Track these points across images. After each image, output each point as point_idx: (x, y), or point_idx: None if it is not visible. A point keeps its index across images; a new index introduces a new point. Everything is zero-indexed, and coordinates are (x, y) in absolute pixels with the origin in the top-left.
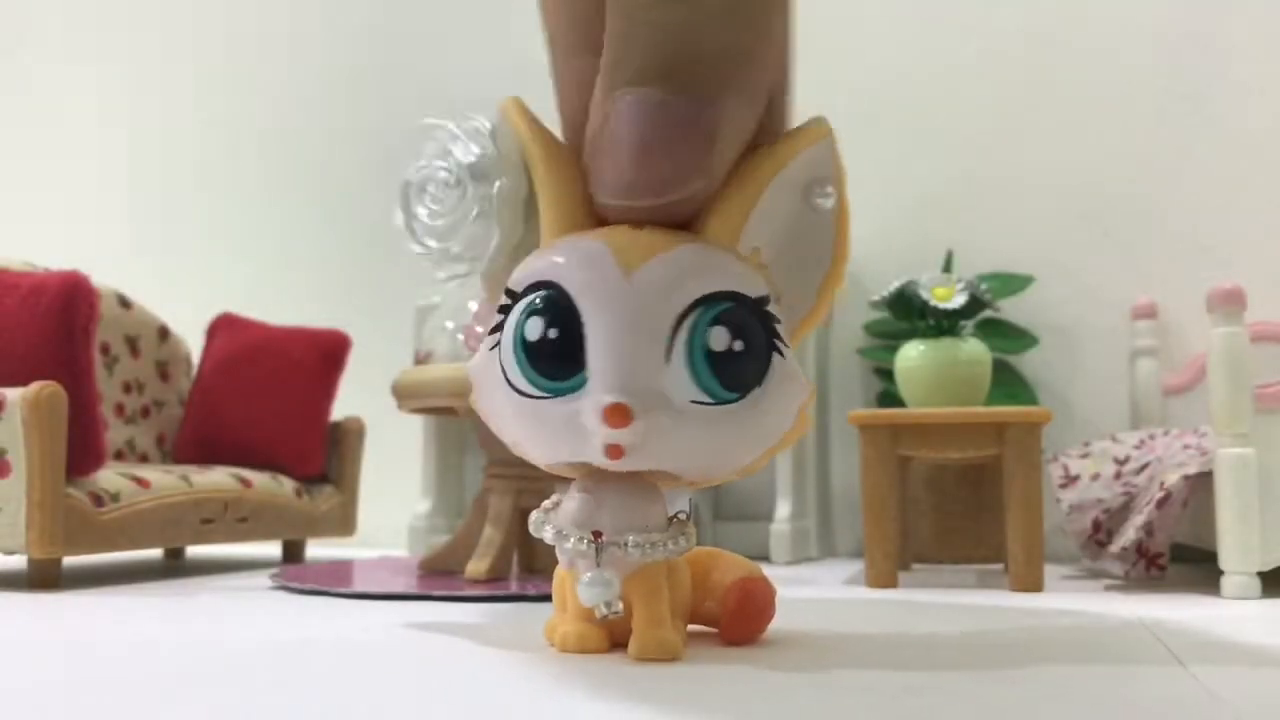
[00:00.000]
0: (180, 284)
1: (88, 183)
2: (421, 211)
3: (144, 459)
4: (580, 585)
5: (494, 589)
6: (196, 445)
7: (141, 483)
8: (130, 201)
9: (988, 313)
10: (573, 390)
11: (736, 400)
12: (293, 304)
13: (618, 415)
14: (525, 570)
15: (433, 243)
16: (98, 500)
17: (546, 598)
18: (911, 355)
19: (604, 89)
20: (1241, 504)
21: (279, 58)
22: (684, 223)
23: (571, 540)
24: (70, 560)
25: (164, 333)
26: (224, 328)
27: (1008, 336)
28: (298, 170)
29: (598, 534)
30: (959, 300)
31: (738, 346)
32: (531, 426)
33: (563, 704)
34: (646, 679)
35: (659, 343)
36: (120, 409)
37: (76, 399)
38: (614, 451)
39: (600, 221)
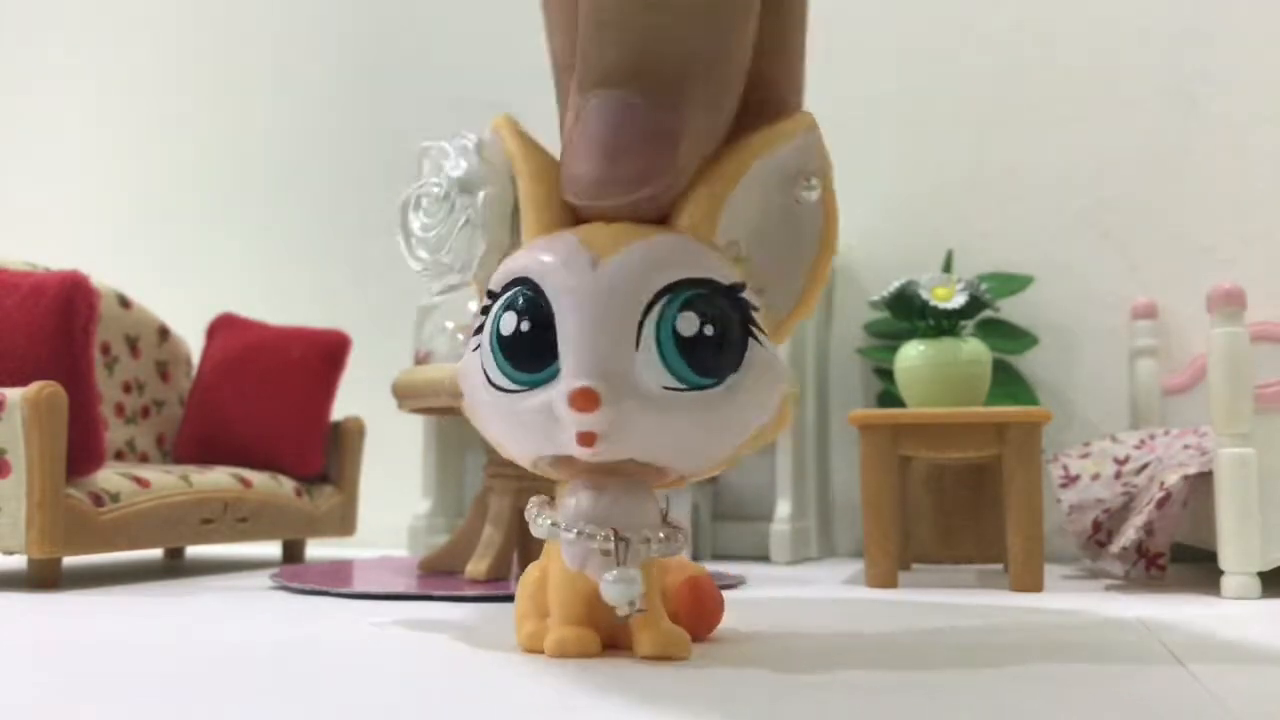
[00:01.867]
0: (180, 284)
1: (88, 183)
2: (415, 226)
3: (144, 459)
4: (605, 584)
5: (494, 589)
6: (196, 445)
7: (141, 483)
8: (131, 202)
9: (987, 313)
10: (545, 381)
11: (712, 386)
12: (293, 304)
13: (584, 399)
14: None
15: (425, 255)
16: (98, 500)
17: None
18: (911, 355)
19: (575, 90)
20: (1241, 504)
21: (280, 57)
22: (655, 219)
23: (598, 538)
24: (70, 560)
25: (164, 333)
26: (223, 328)
27: (1008, 336)
28: (298, 170)
29: (616, 531)
30: (959, 300)
31: (709, 331)
32: (509, 422)
33: (585, 706)
34: (657, 679)
35: (629, 330)
36: (120, 409)
37: (76, 399)
38: (586, 439)
39: (577, 222)
